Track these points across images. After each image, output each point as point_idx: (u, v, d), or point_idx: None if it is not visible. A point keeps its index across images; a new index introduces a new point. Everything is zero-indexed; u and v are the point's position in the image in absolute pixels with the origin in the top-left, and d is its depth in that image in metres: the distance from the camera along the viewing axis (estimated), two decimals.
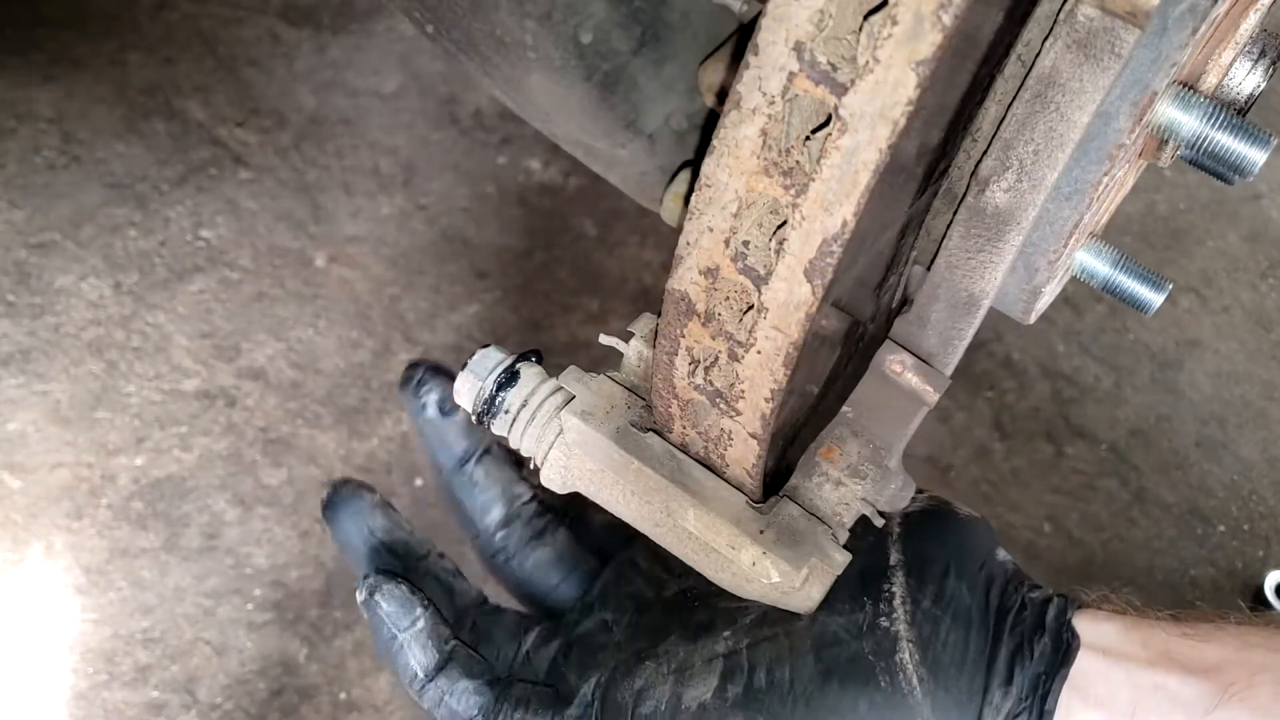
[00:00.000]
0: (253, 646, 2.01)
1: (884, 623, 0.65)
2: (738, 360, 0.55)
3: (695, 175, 0.54)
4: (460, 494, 0.82)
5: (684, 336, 0.56)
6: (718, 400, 0.58)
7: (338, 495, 0.82)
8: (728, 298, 0.53)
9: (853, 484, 0.68)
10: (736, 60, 0.62)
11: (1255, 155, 0.59)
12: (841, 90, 0.44)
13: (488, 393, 0.70)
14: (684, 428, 0.63)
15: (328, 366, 2.32)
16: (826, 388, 0.68)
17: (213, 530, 2.12)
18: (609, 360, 0.73)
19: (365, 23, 2.90)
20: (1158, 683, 0.64)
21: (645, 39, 0.63)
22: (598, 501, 0.70)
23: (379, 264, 2.50)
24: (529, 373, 0.71)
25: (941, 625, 0.65)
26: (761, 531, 0.64)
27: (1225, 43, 0.60)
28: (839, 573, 0.65)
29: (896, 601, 0.66)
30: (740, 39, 0.63)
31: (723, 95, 0.62)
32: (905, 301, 0.71)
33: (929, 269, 0.66)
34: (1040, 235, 0.62)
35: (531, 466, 0.71)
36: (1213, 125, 0.58)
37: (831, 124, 0.44)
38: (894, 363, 0.70)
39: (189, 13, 2.84)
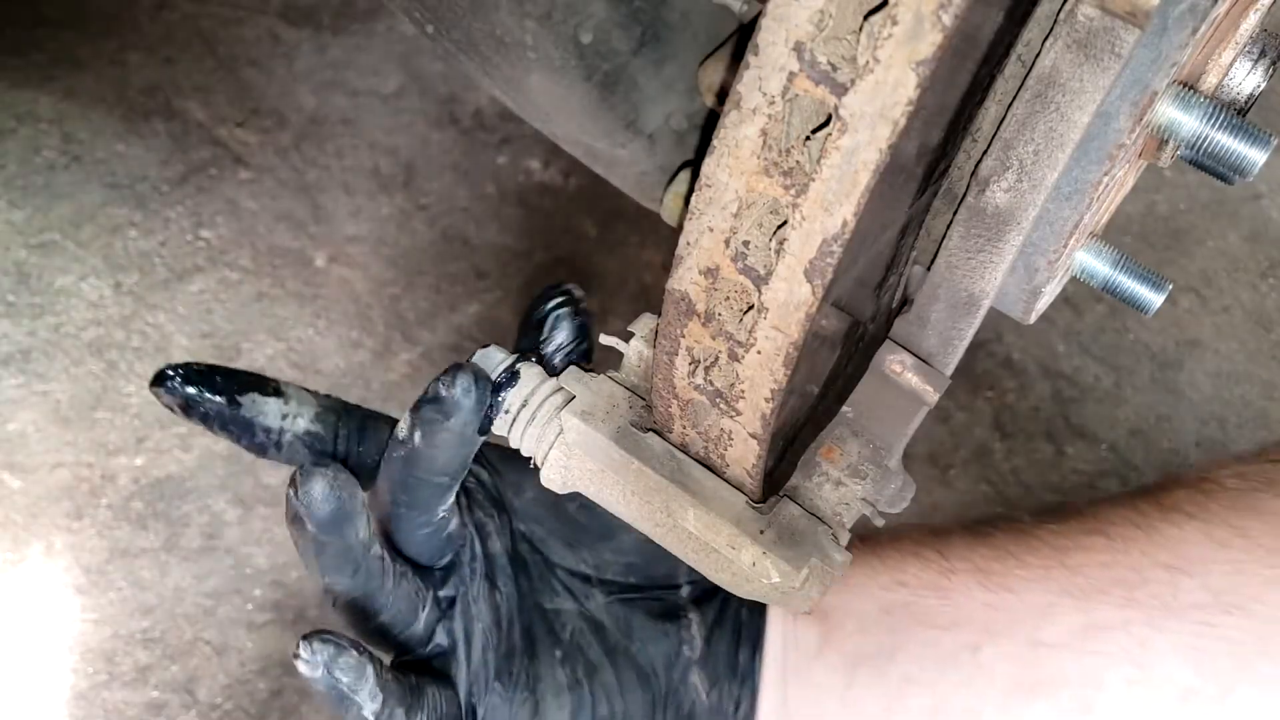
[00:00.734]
0: (253, 646, 2.01)
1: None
2: (738, 360, 0.55)
3: (695, 175, 0.54)
4: None
5: (684, 336, 0.56)
6: (718, 400, 0.58)
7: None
8: (728, 298, 0.53)
9: (853, 484, 0.68)
10: (736, 60, 0.62)
11: (1255, 155, 0.59)
12: (841, 90, 0.44)
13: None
14: (684, 428, 0.63)
15: (328, 366, 2.32)
16: (826, 388, 0.68)
17: (213, 530, 2.12)
18: (609, 360, 0.73)
19: (365, 23, 2.90)
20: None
21: (645, 39, 0.64)
22: (598, 501, 0.70)
23: (379, 264, 2.50)
24: (529, 372, 0.71)
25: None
26: (762, 531, 0.64)
27: (1225, 43, 0.60)
28: (839, 573, 0.65)
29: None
30: (740, 39, 0.63)
31: (723, 95, 0.62)
32: (905, 301, 0.71)
33: (929, 269, 0.66)
34: (1040, 235, 0.62)
35: (532, 466, 0.71)
36: (1213, 125, 0.58)
37: (831, 124, 0.45)
38: (894, 363, 0.70)
39: (189, 13, 2.84)
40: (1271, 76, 0.62)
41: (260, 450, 0.74)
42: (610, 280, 2.53)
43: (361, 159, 2.66)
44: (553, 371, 0.73)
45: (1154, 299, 0.67)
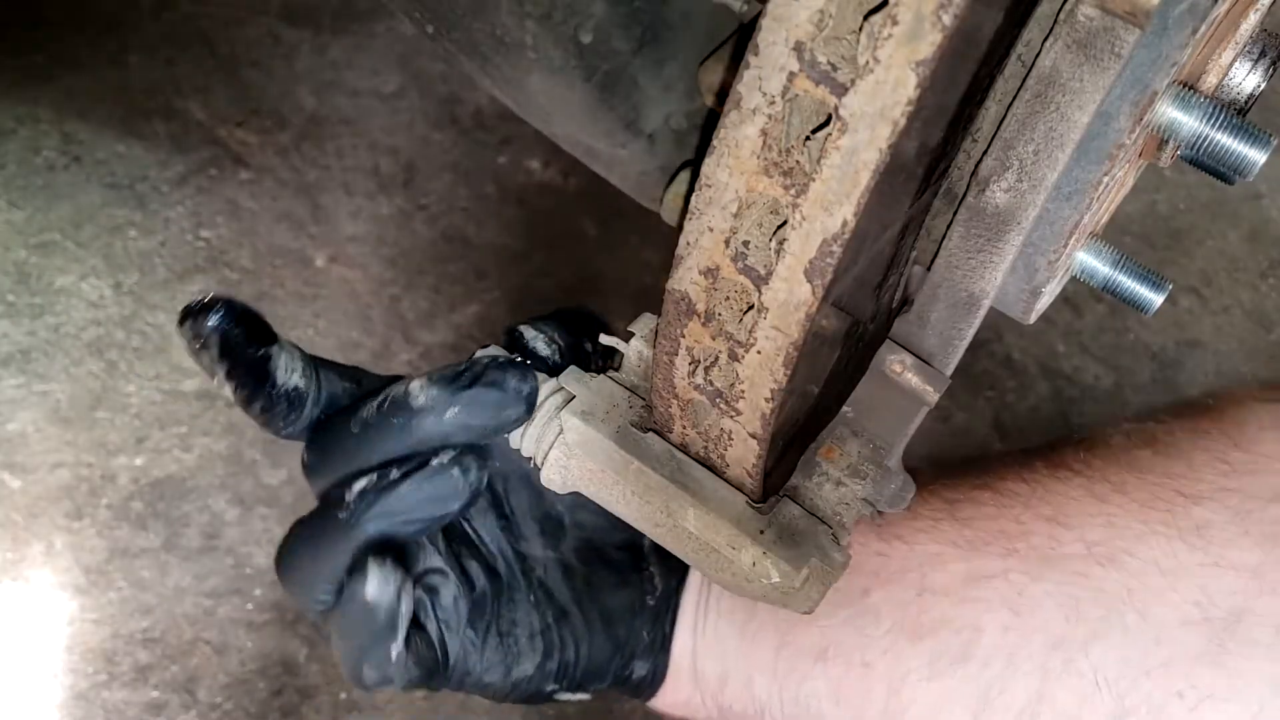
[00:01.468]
0: (253, 646, 2.01)
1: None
2: (738, 360, 0.55)
3: (695, 175, 0.54)
4: None
5: (684, 336, 0.56)
6: (718, 400, 0.58)
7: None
8: (728, 298, 0.53)
9: (853, 484, 0.68)
10: (736, 60, 0.62)
11: (1255, 155, 0.59)
12: (841, 90, 0.44)
13: None
14: (684, 428, 0.63)
15: None
16: (826, 388, 0.68)
17: (213, 530, 2.12)
18: (608, 360, 0.73)
19: (365, 23, 2.90)
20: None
21: (645, 39, 0.63)
22: (598, 501, 0.70)
23: (379, 264, 2.50)
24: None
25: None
26: (762, 531, 0.64)
27: (1225, 43, 0.60)
28: (840, 573, 0.65)
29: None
30: (740, 39, 0.63)
31: (723, 95, 0.62)
32: (905, 301, 0.71)
33: (929, 269, 0.66)
34: (1040, 235, 0.62)
35: (531, 466, 0.71)
36: (1213, 125, 0.58)
37: (831, 124, 0.44)
38: (894, 363, 0.70)
39: (189, 13, 2.84)
40: (1271, 76, 0.62)
41: (257, 403, 0.70)
42: (610, 280, 2.53)
43: (361, 159, 2.66)
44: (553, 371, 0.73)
45: (1154, 299, 0.67)
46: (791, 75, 0.44)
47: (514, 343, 0.76)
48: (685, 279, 0.53)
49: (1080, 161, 0.58)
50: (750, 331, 0.53)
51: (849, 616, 0.83)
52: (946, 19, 0.40)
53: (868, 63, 0.42)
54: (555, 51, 0.62)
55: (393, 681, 0.73)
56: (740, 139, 0.47)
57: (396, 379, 0.72)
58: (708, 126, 0.68)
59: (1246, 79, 0.61)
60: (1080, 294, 2.68)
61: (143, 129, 2.63)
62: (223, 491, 2.15)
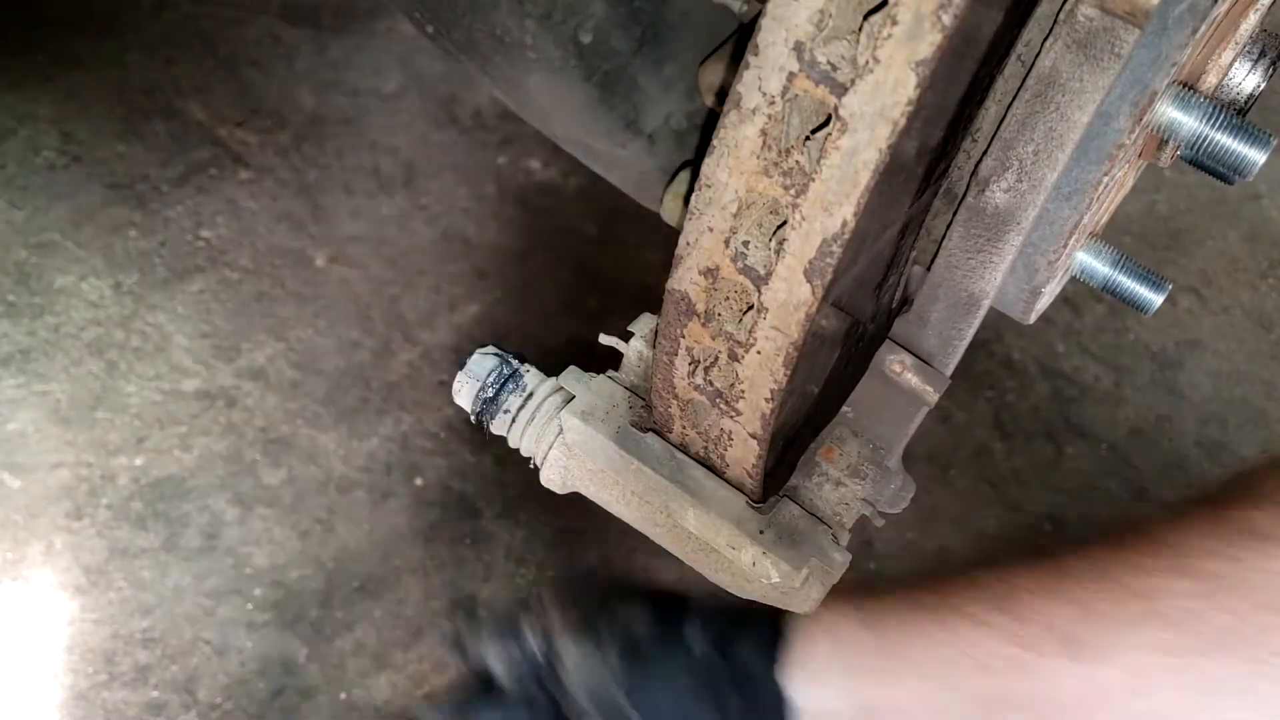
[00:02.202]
0: (253, 646, 2.01)
1: None
2: (738, 360, 0.55)
3: (695, 175, 0.54)
4: None
5: (684, 336, 0.56)
6: (718, 400, 0.58)
7: None
8: (728, 298, 0.53)
9: (853, 484, 0.68)
10: (736, 60, 0.62)
11: (1255, 155, 0.59)
12: (841, 90, 0.44)
13: (488, 393, 0.70)
14: (684, 428, 0.63)
15: (328, 366, 2.32)
16: (826, 388, 0.68)
17: (213, 530, 2.11)
18: (609, 360, 0.73)
19: (365, 23, 2.90)
20: None
21: (645, 39, 0.63)
22: (598, 502, 0.70)
23: (379, 264, 2.49)
24: (529, 373, 0.71)
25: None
26: (761, 531, 0.64)
27: (1225, 43, 0.60)
28: (839, 573, 0.65)
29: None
30: (740, 39, 0.63)
31: (723, 95, 0.62)
32: (905, 301, 0.71)
33: (929, 269, 0.66)
34: (1040, 235, 0.62)
35: (531, 466, 0.71)
36: (1213, 125, 0.58)
37: (831, 124, 0.45)
38: (894, 363, 0.70)
39: (189, 13, 2.84)
40: (1271, 76, 0.62)
41: None
42: (610, 280, 2.53)
43: (361, 159, 2.66)
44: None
45: (1154, 299, 0.67)
46: (791, 75, 0.44)
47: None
48: (685, 279, 0.53)
49: (1080, 162, 0.58)
50: (750, 332, 0.53)
51: None
52: (946, 19, 0.40)
53: (867, 63, 0.42)
54: (555, 51, 0.62)
55: None
56: (740, 139, 0.47)
57: None
58: (708, 126, 0.68)
59: (1246, 79, 0.61)
60: (1080, 294, 2.68)
61: (143, 129, 2.62)
62: (223, 491, 2.15)
